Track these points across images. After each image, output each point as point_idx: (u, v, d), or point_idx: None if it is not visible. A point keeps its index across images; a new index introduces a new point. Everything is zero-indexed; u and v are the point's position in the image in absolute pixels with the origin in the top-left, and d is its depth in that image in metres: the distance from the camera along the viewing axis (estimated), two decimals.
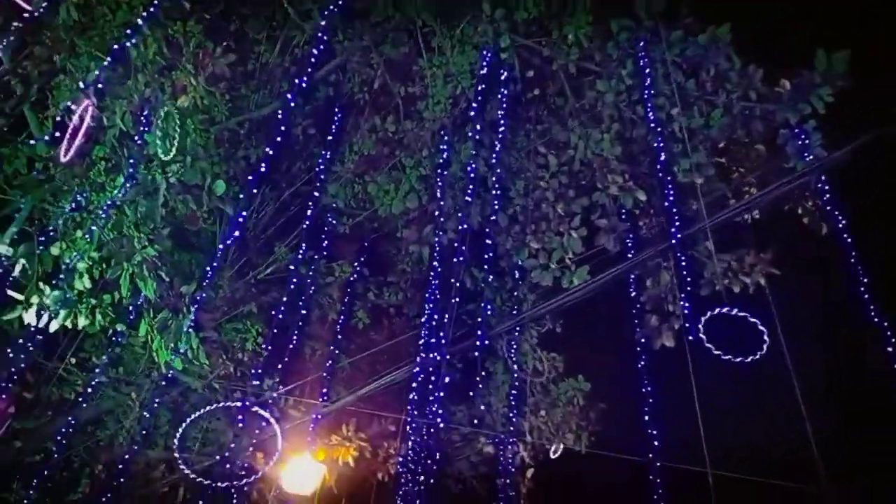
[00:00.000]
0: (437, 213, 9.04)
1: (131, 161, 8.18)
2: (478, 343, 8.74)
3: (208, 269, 8.82)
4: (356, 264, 12.91)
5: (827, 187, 7.81)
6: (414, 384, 8.75)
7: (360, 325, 13.20)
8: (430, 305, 9.02)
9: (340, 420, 12.99)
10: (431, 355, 8.60)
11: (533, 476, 12.27)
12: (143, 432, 11.86)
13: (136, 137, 8.52)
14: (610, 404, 12.00)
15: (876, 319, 7.19)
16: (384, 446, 13.09)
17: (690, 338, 7.01)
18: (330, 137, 11.54)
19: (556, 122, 9.54)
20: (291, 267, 12.09)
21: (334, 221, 12.60)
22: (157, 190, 8.56)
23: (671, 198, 7.86)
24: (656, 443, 9.77)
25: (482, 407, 12.84)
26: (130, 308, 9.54)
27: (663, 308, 9.60)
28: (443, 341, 8.79)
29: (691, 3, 8.64)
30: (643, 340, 9.78)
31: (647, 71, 8.33)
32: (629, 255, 9.19)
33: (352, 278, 12.87)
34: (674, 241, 7.27)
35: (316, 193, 11.87)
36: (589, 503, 12.46)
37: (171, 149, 8.16)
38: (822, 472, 8.58)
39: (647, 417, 9.85)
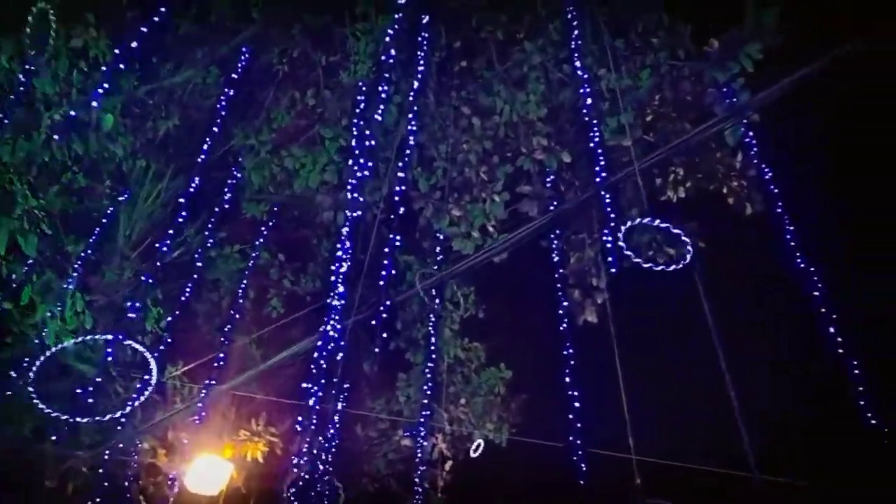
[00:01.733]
0: (352, 178, 8.54)
1: (11, 97, 7.46)
2: (381, 308, 8.20)
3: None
4: (272, 250, 12.35)
5: (750, 132, 7.62)
6: (317, 355, 8.09)
7: (274, 313, 12.55)
8: (339, 274, 8.46)
9: (250, 413, 12.29)
10: (334, 326, 7.99)
11: (452, 469, 11.75)
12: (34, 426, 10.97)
13: (22, 77, 7.80)
14: (533, 392, 11.63)
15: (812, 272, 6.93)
16: (297, 441, 12.40)
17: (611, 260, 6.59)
18: (243, 111, 11.06)
19: (482, 88, 9.22)
20: (201, 250, 11.57)
21: (248, 204, 12.02)
22: (38, 127, 7.81)
23: (598, 154, 7.54)
24: (578, 426, 9.37)
25: (402, 399, 12.33)
26: (13, 277, 8.75)
27: (587, 282, 9.31)
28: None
29: None
30: (566, 317, 9.44)
31: (575, 30, 8.08)
32: (554, 247, 8.88)
33: (264, 264, 12.28)
34: (598, 181, 6.88)
35: (234, 174, 11.36)
36: (511, 496, 11.96)
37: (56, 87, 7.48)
38: (752, 461, 8.36)
39: (570, 401, 9.48)
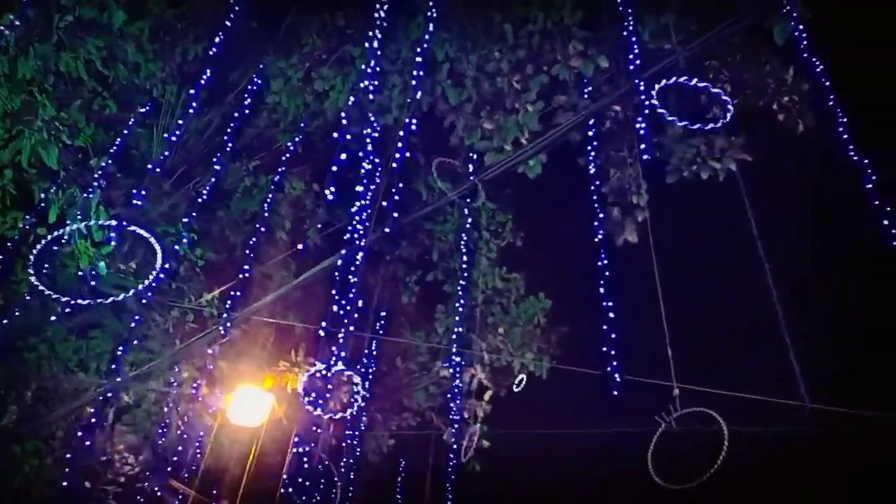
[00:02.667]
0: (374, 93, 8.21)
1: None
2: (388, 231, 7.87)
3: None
4: (307, 180, 12.17)
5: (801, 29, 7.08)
6: (337, 274, 7.82)
7: (312, 245, 12.39)
8: (366, 191, 8.19)
9: (291, 345, 12.24)
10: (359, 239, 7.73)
11: (492, 400, 11.56)
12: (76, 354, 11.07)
13: None
14: (573, 320, 11.32)
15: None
16: (339, 380, 12.35)
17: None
18: (273, 35, 10.81)
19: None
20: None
21: (283, 135, 11.82)
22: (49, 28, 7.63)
23: (636, 61, 7.09)
24: (614, 358, 8.97)
25: (440, 331, 12.14)
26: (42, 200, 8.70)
27: (627, 200, 8.92)
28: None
29: None
30: (606, 238, 9.07)
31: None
32: (590, 142, 8.46)
33: (300, 195, 12.11)
34: (638, 82, 6.44)
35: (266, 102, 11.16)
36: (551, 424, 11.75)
37: None
38: (804, 388, 7.95)
39: (609, 327, 9.11)
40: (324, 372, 7.52)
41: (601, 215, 9.02)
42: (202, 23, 10.52)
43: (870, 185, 6.22)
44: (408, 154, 9.21)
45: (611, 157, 9.17)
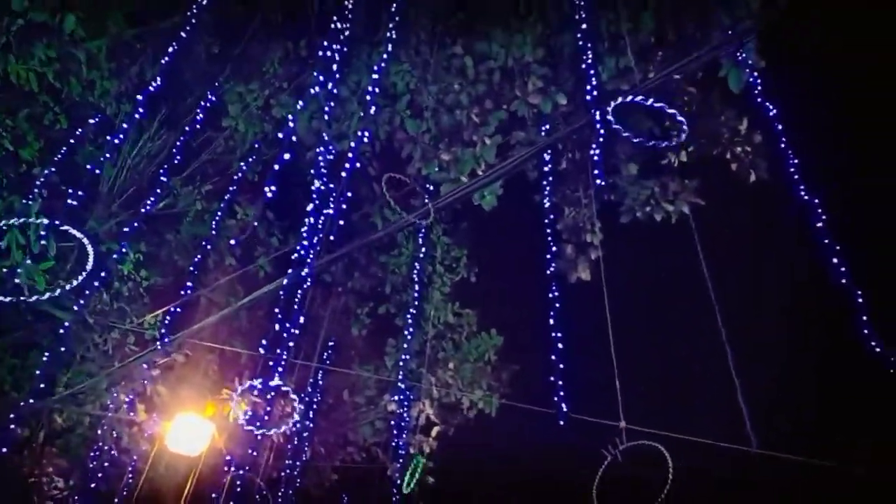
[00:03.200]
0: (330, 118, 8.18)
1: None
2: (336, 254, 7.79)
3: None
4: (260, 207, 12.02)
5: (755, 77, 7.23)
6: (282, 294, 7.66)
7: (261, 273, 12.21)
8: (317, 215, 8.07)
9: (234, 371, 11.97)
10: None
11: (439, 436, 11.41)
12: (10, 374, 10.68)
13: None
14: (524, 358, 11.28)
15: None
16: (280, 403, 12.07)
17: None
18: (235, 61, 10.75)
19: (477, 34, 8.87)
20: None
21: (244, 166, 11.70)
22: None
23: (594, 92, 7.14)
24: (562, 394, 8.92)
25: (390, 365, 11.99)
26: None
27: (581, 238, 8.97)
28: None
29: None
30: (558, 273, 9.08)
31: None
32: (546, 177, 8.50)
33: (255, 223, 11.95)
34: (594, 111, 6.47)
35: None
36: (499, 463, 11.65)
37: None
38: (752, 432, 7.99)
39: (558, 365, 9.07)
40: (260, 387, 7.30)
41: (555, 252, 9.05)
42: (161, 44, 10.40)
43: (819, 224, 6.31)
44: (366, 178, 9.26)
45: (566, 196, 9.25)
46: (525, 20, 8.50)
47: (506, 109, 8.46)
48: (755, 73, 7.66)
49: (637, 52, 7.90)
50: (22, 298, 9.56)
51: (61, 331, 9.93)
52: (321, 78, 9.59)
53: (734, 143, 9.80)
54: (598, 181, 6.54)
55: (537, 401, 9.47)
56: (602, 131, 6.09)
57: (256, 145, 11.37)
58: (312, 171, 8.19)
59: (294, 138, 10.11)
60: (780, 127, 6.75)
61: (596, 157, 6.18)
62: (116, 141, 10.48)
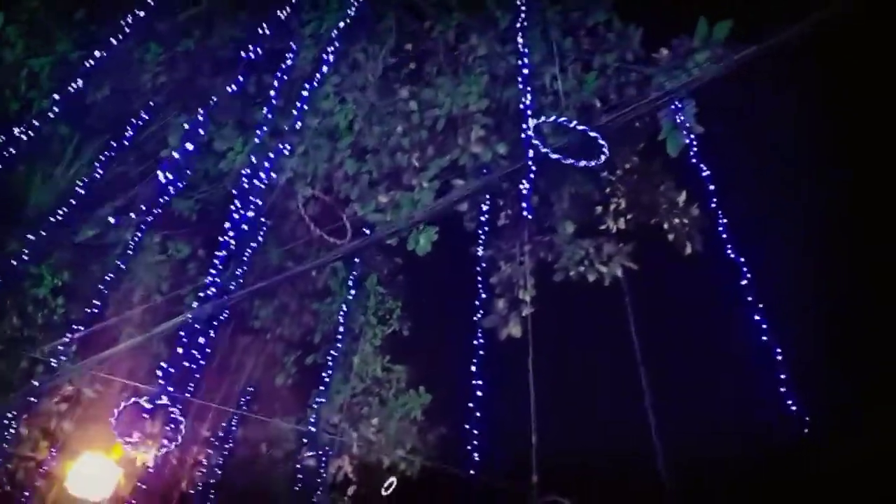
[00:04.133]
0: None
1: None
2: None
3: None
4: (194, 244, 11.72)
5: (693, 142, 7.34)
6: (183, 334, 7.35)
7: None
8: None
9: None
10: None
11: (356, 495, 10.98)
12: None
13: None
14: (452, 417, 10.98)
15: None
16: (192, 450, 11.56)
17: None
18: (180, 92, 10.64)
19: (424, 82, 8.94)
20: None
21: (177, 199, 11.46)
22: None
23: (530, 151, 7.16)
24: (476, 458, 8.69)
25: (312, 418, 11.58)
26: None
27: (514, 293, 8.88)
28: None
29: None
30: (489, 329, 8.97)
31: (522, 25, 7.85)
32: (481, 228, 8.47)
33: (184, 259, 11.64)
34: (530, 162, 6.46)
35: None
36: None
37: None
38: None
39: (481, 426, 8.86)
40: (144, 404, 6.93)
41: (487, 306, 8.97)
42: (108, 69, 10.24)
43: (744, 282, 6.34)
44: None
45: (502, 250, 9.20)
46: (472, 72, 8.59)
47: (448, 157, 8.46)
48: (692, 139, 7.80)
49: (579, 109, 8.00)
50: None
51: None
52: (266, 114, 9.56)
53: (672, 214, 9.91)
54: (526, 213, 6.49)
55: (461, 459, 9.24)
56: (533, 168, 6.05)
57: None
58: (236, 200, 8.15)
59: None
60: (712, 188, 6.83)
61: (525, 191, 6.12)
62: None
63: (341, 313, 11.21)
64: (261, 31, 9.97)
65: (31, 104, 10.11)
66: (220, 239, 9.54)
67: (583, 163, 6.84)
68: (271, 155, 9.06)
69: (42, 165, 10.48)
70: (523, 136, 6.25)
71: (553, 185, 9.33)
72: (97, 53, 9.82)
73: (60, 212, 10.58)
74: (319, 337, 11.69)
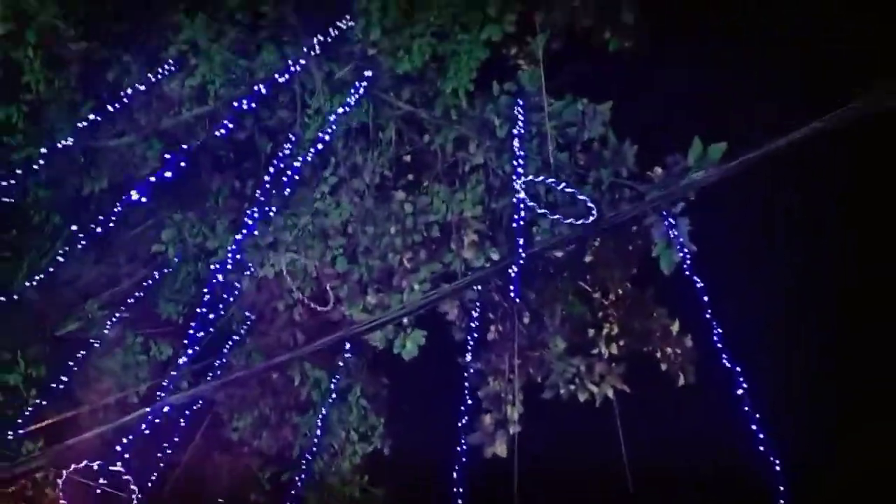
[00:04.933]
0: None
1: None
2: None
3: None
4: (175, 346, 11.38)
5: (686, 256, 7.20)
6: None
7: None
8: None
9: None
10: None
11: None
12: None
13: None
14: None
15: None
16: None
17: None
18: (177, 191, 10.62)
19: (421, 190, 8.93)
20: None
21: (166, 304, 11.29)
22: None
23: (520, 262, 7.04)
24: None
25: None
26: None
27: (501, 409, 8.52)
28: None
29: (574, 83, 8.49)
30: (474, 447, 8.56)
31: (521, 136, 7.93)
32: (470, 337, 8.23)
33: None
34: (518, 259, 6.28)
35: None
36: None
37: None
38: None
39: None
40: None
41: (473, 423, 8.61)
42: (108, 162, 10.25)
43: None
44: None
45: (491, 363, 8.89)
46: (468, 181, 8.58)
47: (440, 262, 8.32)
48: (687, 257, 7.67)
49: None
50: None
51: None
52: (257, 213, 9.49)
53: (665, 343, 9.66)
54: (515, 298, 6.26)
55: None
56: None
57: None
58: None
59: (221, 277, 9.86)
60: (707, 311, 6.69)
61: (514, 272, 5.93)
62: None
63: (321, 428, 10.76)
64: (262, 132, 10.15)
65: (27, 192, 10.08)
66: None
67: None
68: (261, 254, 8.98)
69: (30, 255, 10.31)
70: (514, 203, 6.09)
71: (545, 303, 9.15)
72: (98, 144, 10.00)
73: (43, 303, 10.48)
74: (297, 452, 11.17)
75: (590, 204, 6.73)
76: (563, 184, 6.77)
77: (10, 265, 10.21)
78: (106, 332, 10.87)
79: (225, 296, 9.76)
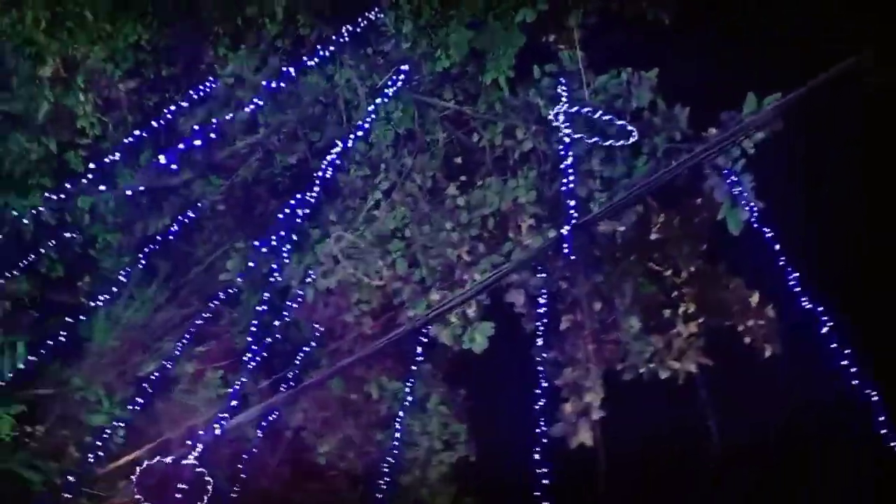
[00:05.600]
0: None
1: None
2: None
3: None
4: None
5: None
6: None
7: None
8: None
9: None
10: None
11: None
12: None
13: None
14: None
15: None
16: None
17: None
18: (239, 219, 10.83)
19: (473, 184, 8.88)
20: None
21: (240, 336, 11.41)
22: None
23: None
24: None
25: None
26: None
27: (581, 396, 8.30)
28: None
29: (614, 57, 8.33)
30: (558, 439, 8.36)
31: (569, 116, 7.80)
32: (541, 325, 8.08)
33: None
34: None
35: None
36: None
37: None
38: None
39: None
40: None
41: (554, 413, 8.42)
42: (168, 199, 10.48)
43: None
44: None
45: (566, 352, 8.69)
46: (519, 170, 8.50)
47: (499, 253, 8.22)
48: (755, 214, 7.41)
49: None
50: None
51: None
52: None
53: (746, 316, 9.32)
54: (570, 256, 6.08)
55: None
56: None
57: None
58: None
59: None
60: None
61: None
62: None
63: (404, 441, 10.69)
64: (314, 154, 10.25)
65: (95, 240, 10.37)
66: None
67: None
68: (323, 268, 9.01)
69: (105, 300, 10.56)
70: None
71: (614, 287, 8.92)
72: (158, 184, 10.25)
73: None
74: (384, 468, 11.10)
75: (630, 128, 6.53)
76: (600, 111, 6.56)
77: (86, 312, 10.49)
78: (185, 369, 11.04)
79: (292, 316, 9.81)
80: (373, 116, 8.98)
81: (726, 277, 9.42)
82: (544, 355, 8.28)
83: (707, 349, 8.49)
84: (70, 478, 9.06)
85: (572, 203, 6.37)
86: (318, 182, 9.86)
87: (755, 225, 7.23)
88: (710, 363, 8.42)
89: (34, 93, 8.00)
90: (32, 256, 9.63)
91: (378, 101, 8.83)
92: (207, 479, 6.93)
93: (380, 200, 8.80)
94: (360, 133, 9.43)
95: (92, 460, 9.21)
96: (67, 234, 9.77)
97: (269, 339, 10.08)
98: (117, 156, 9.73)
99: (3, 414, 8.58)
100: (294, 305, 9.29)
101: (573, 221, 6.25)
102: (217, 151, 10.35)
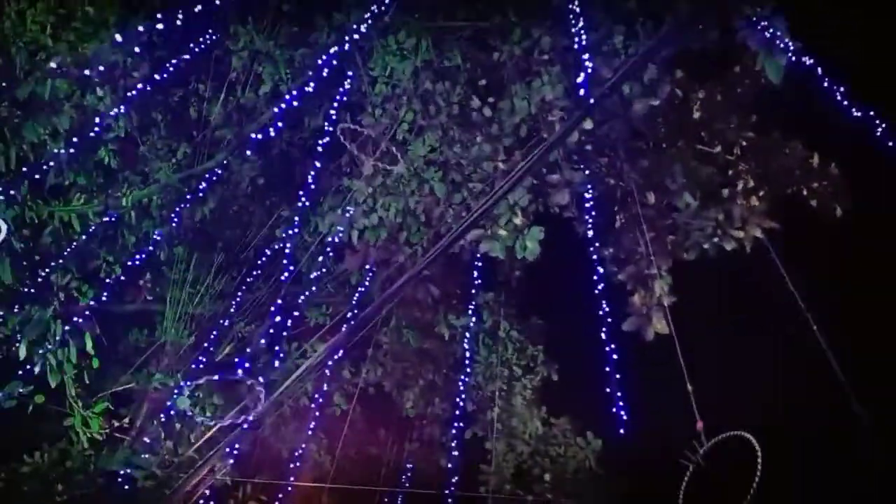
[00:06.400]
0: None
1: None
2: None
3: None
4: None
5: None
6: None
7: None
8: None
9: None
10: None
11: None
12: None
13: None
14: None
15: None
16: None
17: None
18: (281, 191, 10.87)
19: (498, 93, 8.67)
20: None
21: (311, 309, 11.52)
22: None
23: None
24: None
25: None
26: None
27: (647, 283, 8.06)
28: None
29: None
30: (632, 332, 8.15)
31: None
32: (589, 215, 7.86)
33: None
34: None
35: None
36: None
37: None
38: None
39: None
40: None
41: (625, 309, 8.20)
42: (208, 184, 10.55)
43: None
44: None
45: (624, 248, 8.46)
46: (542, 70, 8.24)
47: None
48: (793, 58, 7.03)
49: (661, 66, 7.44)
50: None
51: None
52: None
53: (809, 179, 8.95)
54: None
55: None
56: None
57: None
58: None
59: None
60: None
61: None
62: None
63: (485, 376, 10.67)
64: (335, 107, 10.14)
65: (148, 235, 10.52)
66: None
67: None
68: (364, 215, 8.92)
69: (170, 295, 10.72)
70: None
71: (663, 169, 8.59)
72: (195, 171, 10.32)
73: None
74: (470, 407, 11.08)
75: None
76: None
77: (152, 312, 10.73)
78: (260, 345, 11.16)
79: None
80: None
81: (782, 144, 9.04)
82: (602, 255, 8.07)
83: (771, 213, 8.10)
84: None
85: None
86: (340, 133, 9.80)
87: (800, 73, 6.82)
88: (776, 227, 8.03)
89: (54, 92, 8.03)
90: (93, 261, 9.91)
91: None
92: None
93: (405, 132, 8.66)
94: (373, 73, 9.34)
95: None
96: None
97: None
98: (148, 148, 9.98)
99: (91, 414, 8.68)
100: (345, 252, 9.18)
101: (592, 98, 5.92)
102: (246, 128, 10.33)
